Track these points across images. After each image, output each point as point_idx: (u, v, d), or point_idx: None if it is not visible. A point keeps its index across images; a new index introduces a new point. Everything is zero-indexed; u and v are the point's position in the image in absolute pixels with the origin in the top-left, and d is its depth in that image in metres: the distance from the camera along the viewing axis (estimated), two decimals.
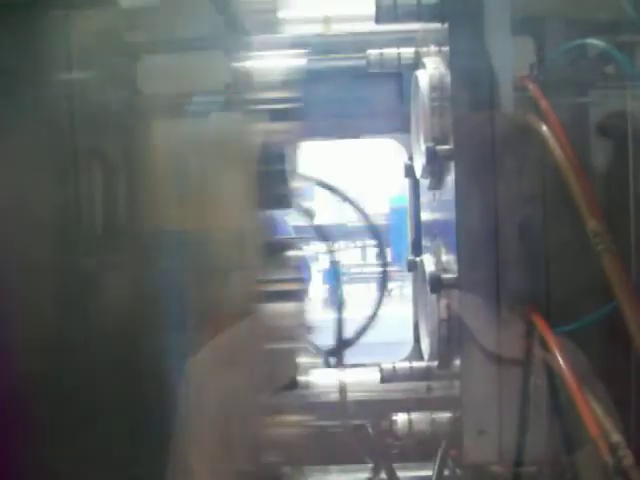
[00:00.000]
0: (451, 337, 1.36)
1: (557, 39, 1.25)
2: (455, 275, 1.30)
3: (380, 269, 1.89)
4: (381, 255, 1.77)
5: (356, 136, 2.28)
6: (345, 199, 1.92)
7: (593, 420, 1.01)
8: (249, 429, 1.32)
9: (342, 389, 1.70)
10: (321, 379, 1.77)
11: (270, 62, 1.38)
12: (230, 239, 1.22)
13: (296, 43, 1.90)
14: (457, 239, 1.27)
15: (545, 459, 1.22)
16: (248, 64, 1.33)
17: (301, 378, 1.50)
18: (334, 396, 1.71)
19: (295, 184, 1.47)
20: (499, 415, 1.25)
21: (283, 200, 1.43)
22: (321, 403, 1.71)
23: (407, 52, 1.58)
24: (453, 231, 1.29)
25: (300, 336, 1.49)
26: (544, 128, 1.15)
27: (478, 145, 1.26)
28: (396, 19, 1.36)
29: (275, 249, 1.43)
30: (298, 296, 1.36)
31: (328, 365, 1.86)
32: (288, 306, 1.35)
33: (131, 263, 1.14)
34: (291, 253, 1.42)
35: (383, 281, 1.85)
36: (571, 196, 1.08)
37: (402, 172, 1.77)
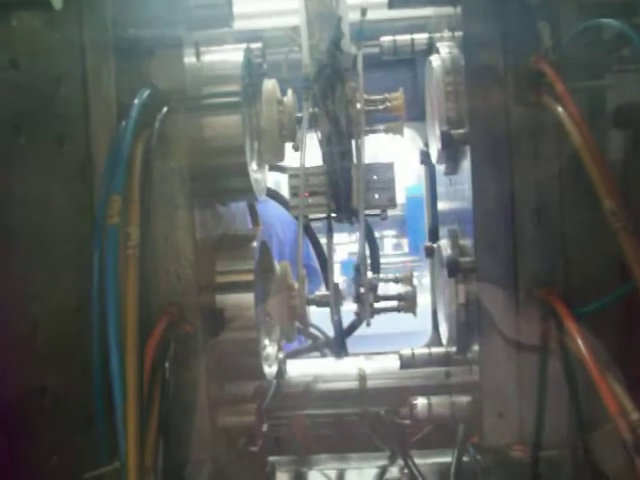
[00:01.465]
0: (469, 322, 1.36)
1: (572, 22, 1.23)
2: (472, 259, 1.30)
3: (371, 258, 1.87)
4: (371, 243, 1.76)
5: (369, 125, 2.26)
6: None
7: (613, 399, 1.00)
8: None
9: (362, 377, 1.70)
10: (341, 368, 1.78)
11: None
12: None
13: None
14: (474, 222, 1.27)
15: (564, 441, 1.21)
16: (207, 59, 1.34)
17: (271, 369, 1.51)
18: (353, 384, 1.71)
19: (260, 175, 1.47)
20: (518, 398, 1.25)
21: (244, 192, 1.44)
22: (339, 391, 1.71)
23: (420, 38, 1.57)
24: (470, 215, 1.29)
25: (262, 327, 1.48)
26: (560, 110, 1.14)
27: (494, 128, 1.26)
28: (409, 4, 1.35)
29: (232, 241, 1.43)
30: (251, 287, 1.36)
31: (337, 355, 1.86)
32: (243, 296, 1.36)
33: None
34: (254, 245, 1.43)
35: (375, 270, 1.84)
36: (588, 176, 1.07)
37: (418, 159, 1.77)
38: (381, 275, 1.53)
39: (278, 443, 1.79)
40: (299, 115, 1.39)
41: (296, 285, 1.45)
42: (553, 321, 1.18)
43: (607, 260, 1.16)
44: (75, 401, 1.12)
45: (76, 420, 1.12)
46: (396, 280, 1.53)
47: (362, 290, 1.42)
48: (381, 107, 1.45)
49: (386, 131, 1.46)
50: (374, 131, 1.45)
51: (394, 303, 1.49)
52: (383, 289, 1.50)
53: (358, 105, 1.38)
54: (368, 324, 1.46)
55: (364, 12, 1.34)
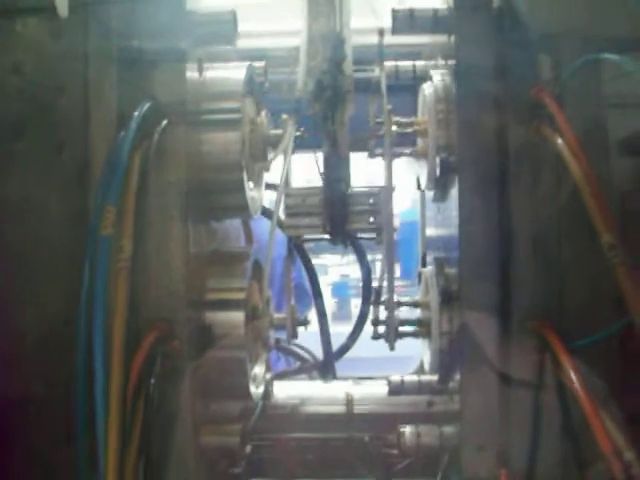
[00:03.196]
0: (451, 351, 1.34)
1: (572, 55, 1.24)
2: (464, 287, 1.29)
3: (363, 282, 1.86)
4: (364, 266, 1.76)
5: (368, 149, 2.27)
6: None
7: (606, 437, 0.99)
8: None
9: (349, 402, 1.68)
10: (328, 391, 1.76)
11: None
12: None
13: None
14: (459, 251, 1.25)
15: (552, 477, 1.19)
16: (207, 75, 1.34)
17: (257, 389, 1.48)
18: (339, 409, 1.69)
19: (255, 194, 1.46)
20: (499, 431, 1.23)
21: (240, 209, 1.43)
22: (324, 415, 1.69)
23: (421, 65, 1.58)
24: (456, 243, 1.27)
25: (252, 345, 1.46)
26: (560, 141, 1.14)
27: (483, 157, 1.25)
28: (412, 30, 1.36)
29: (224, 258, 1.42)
30: (241, 305, 1.34)
31: (324, 377, 1.84)
32: (233, 314, 1.34)
33: None
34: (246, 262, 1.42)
35: (367, 294, 1.83)
36: (586, 209, 1.07)
37: (414, 184, 1.76)
38: (399, 299, 1.52)
39: (261, 465, 1.77)
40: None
41: (260, 306, 1.44)
42: (543, 353, 1.17)
43: (602, 292, 1.15)
44: (59, 415, 1.09)
45: (58, 435, 1.09)
46: (415, 305, 1.53)
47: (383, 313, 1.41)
48: (410, 130, 1.46)
49: (412, 155, 1.48)
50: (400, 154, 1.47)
51: (411, 328, 1.47)
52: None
53: (392, 127, 1.42)
54: (392, 348, 1.44)
55: (382, 33, 1.35)
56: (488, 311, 1.24)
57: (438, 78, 1.43)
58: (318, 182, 1.45)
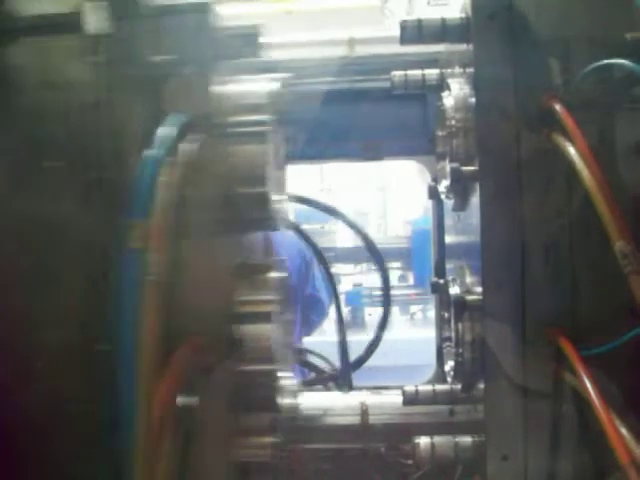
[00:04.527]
0: (475, 360, 1.34)
1: (584, 61, 1.24)
2: (479, 297, 1.29)
3: (383, 291, 1.85)
4: (384, 277, 1.74)
5: (379, 158, 2.28)
6: (343, 220, 1.92)
7: (623, 447, 0.98)
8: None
9: (364, 412, 1.68)
10: (345, 402, 1.75)
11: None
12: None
13: (322, 65, 1.93)
14: (482, 261, 1.25)
15: None
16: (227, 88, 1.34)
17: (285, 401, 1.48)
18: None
19: (279, 205, 1.46)
20: (524, 440, 1.22)
21: (263, 222, 1.43)
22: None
23: (431, 73, 1.58)
24: (477, 252, 1.27)
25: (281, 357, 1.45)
26: (571, 148, 1.13)
27: (503, 166, 1.25)
28: (421, 40, 1.36)
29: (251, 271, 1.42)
30: (269, 318, 1.33)
31: (340, 387, 1.84)
32: (261, 327, 1.33)
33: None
34: (271, 275, 1.40)
35: (386, 304, 1.81)
36: (599, 217, 1.06)
37: (426, 194, 1.77)
38: None
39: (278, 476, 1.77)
40: None
41: None
42: (561, 361, 1.17)
43: (619, 300, 1.14)
44: (83, 431, 1.10)
45: (83, 449, 1.10)
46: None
47: None
48: None
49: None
50: None
51: None
52: None
53: None
54: None
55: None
56: (511, 318, 1.24)
57: (456, 87, 1.42)
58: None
